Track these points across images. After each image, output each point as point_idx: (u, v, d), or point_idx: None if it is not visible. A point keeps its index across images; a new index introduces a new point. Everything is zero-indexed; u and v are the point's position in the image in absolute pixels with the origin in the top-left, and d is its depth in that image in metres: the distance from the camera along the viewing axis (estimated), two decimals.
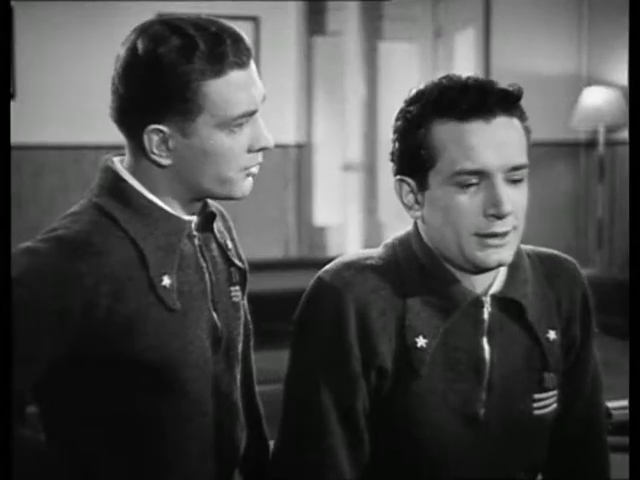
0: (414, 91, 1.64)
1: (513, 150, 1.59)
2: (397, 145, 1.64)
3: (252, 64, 1.63)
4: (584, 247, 6.85)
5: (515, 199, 1.60)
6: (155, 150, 1.61)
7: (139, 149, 1.62)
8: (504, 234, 1.60)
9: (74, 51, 6.43)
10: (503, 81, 1.64)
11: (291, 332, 1.69)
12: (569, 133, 6.67)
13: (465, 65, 6.87)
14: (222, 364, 1.69)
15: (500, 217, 1.58)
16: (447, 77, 1.62)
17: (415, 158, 1.61)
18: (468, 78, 1.61)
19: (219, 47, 1.58)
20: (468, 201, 1.59)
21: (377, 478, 1.70)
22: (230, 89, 1.59)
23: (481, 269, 1.63)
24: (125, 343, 1.58)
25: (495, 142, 1.58)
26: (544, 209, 6.68)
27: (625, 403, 2.17)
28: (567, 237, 6.82)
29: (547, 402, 1.72)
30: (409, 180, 1.64)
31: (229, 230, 1.80)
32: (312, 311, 1.67)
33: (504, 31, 6.73)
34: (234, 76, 1.59)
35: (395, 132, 1.65)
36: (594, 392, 1.80)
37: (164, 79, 1.57)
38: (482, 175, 1.58)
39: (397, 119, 1.65)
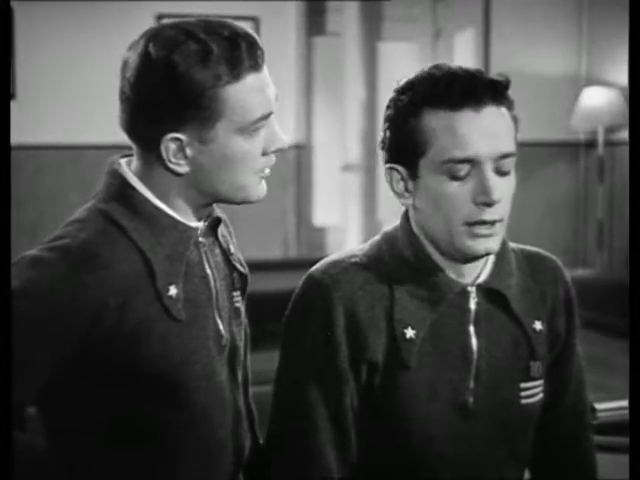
0: (404, 81, 1.66)
1: (502, 139, 1.61)
2: (388, 133, 1.66)
3: (265, 65, 1.60)
4: (583, 247, 6.85)
5: (503, 190, 1.61)
6: (172, 159, 1.57)
7: (153, 157, 1.58)
8: (493, 222, 1.62)
9: (74, 51, 6.43)
10: None
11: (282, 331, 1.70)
12: (569, 133, 6.67)
13: (465, 65, 6.86)
14: (226, 372, 1.68)
15: (490, 204, 1.60)
16: (437, 67, 1.65)
17: (406, 146, 1.63)
18: (457, 68, 1.64)
19: (235, 52, 1.54)
20: (458, 190, 1.60)
21: (366, 473, 1.70)
22: (248, 93, 1.56)
23: (470, 258, 1.65)
24: (131, 353, 1.55)
25: (484, 131, 1.60)
26: (544, 209, 6.68)
27: (615, 404, 2.20)
28: (567, 237, 6.82)
29: (534, 391, 1.73)
30: (399, 168, 1.65)
31: (230, 235, 1.78)
32: (301, 310, 1.68)
33: (504, 31, 6.73)
34: (250, 80, 1.57)
35: (386, 121, 1.66)
36: (578, 387, 1.82)
37: (181, 86, 1.52)
38: (472, 163, 1.60)
39: (388, 107, 1.67)
